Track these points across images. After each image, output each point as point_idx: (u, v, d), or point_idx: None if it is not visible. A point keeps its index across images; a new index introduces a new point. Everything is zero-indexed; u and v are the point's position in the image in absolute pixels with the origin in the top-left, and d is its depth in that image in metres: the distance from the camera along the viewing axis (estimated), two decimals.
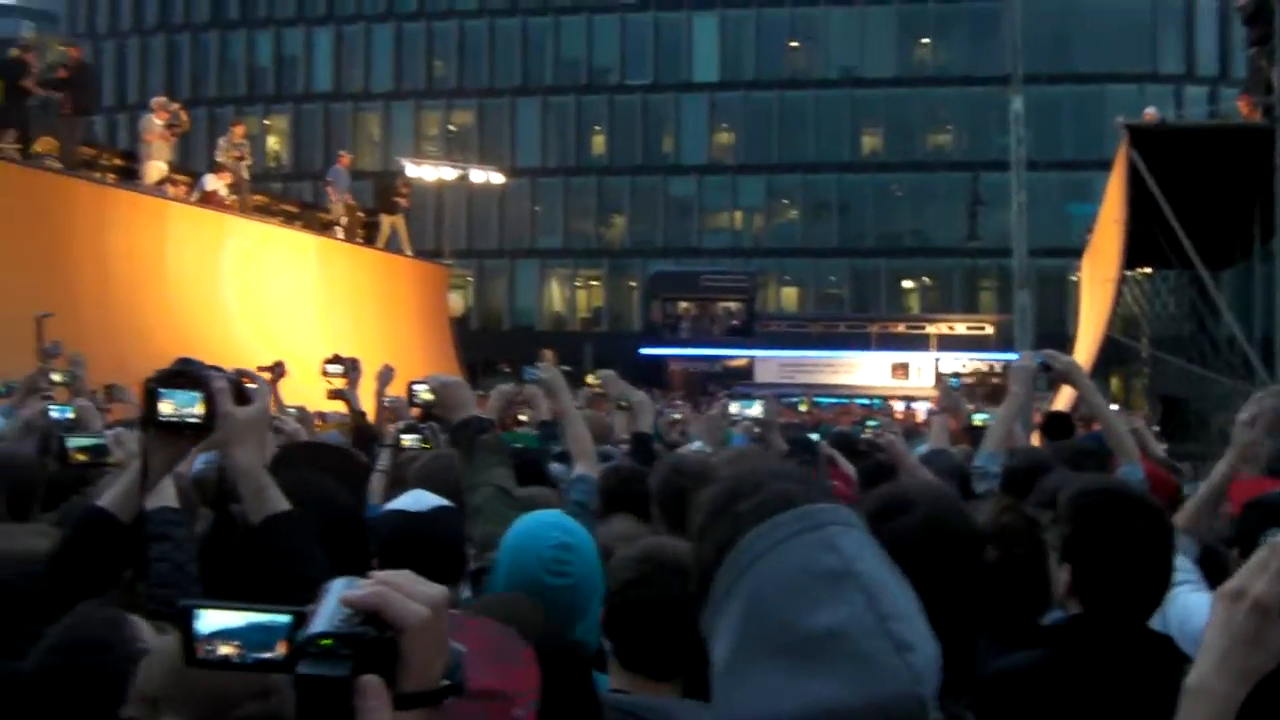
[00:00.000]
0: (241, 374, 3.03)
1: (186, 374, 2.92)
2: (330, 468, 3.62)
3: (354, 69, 66.14)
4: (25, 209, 19.01)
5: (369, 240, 29.98)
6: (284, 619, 1.41)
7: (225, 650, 1.43)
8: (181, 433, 2.90)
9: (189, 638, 1.44)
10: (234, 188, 25.21)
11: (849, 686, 1.46)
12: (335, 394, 9.29)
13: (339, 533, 3.10)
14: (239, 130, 26.66)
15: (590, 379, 9.10)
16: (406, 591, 1.39)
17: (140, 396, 2.91)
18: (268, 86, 66.83)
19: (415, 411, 9.09)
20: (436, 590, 1.42)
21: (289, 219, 28.61)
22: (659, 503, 4.94)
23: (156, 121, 23.51)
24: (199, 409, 2.87)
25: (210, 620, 1.44)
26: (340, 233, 28.44)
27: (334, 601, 1.39)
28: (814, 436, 8.29)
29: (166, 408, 2.86)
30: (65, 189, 20.47)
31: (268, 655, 1.42)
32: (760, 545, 1.56)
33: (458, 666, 1.42)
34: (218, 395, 2.88)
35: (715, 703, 1.56)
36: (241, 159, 25.81)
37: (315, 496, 3.22)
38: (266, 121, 65.85)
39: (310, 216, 28.98)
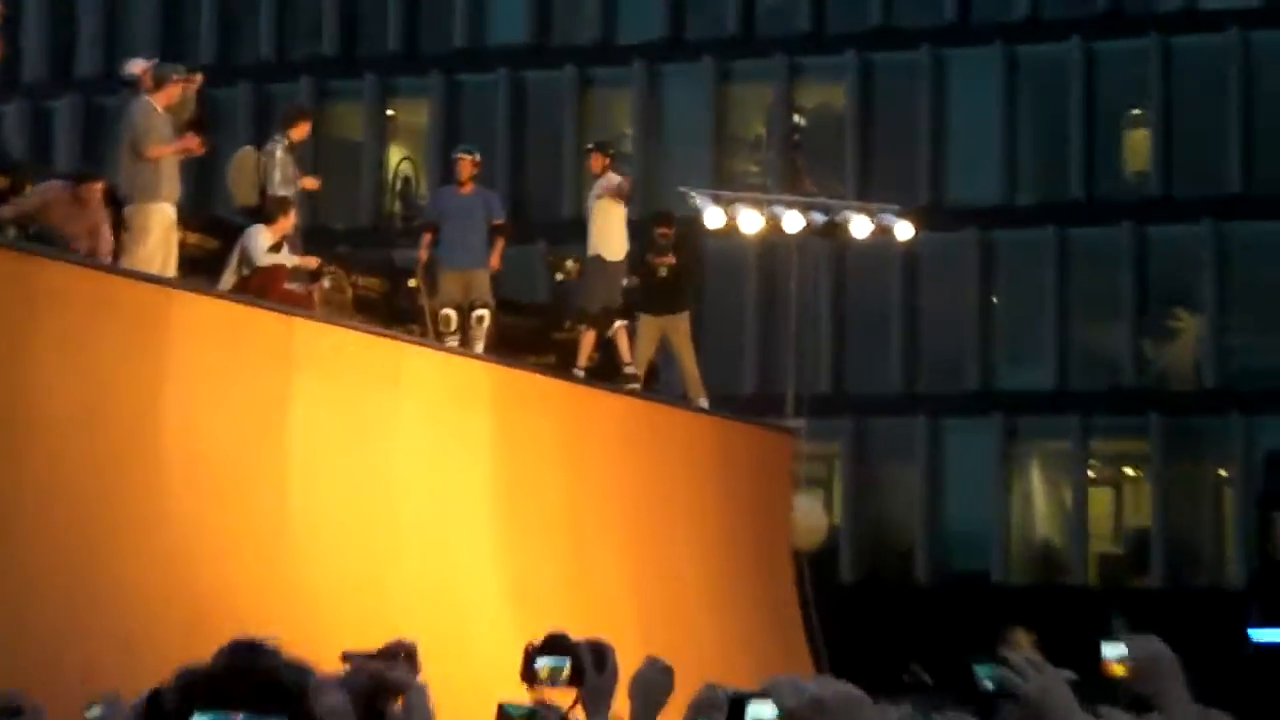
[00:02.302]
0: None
1: None
2: None
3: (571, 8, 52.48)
4: None
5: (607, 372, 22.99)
6: None
7: None
8: None
9: None
10: (318, 278, 21.19)
11: None
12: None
13: None
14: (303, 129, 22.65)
15: (1020, 637, 8.43)
16: None
17: None
18: (388, 41, 53.87)
19: None
20: None
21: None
22: None
23: (151, 103, 20.01)
24: None
25: None
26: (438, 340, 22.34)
27: None
28: None
29: None
30: None
31: None
32: None
33: None
34: None
35: None
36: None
37: None
38: (390, 111, 54.90)
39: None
